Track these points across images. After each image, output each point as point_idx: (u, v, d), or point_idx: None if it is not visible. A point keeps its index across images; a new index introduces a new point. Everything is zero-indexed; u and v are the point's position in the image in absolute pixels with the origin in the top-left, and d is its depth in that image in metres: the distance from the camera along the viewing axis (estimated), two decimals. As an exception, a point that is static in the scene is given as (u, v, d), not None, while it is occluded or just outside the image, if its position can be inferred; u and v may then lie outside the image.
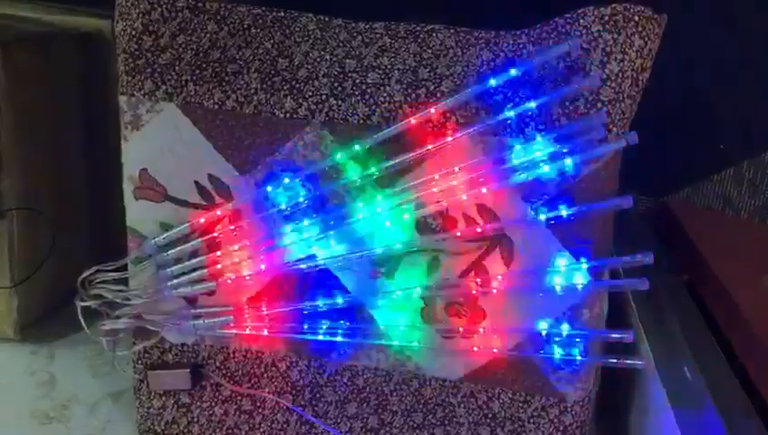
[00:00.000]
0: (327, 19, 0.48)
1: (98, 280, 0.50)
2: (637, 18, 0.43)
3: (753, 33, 0.68)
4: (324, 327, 0.49)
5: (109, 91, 0.49)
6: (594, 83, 0.42)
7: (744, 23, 0.68)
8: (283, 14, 0.48)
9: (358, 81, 0.46)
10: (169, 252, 0.49)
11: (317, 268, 0.48)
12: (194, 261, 0.49)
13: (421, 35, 0.47)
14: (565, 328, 0.46)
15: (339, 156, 0.46)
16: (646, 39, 0.43)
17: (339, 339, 0.49)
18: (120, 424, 0.56)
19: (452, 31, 0.47)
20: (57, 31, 0.68)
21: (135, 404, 0.54)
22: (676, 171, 0.76)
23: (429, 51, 0.46)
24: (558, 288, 0.46)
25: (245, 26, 0.48)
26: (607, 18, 0.43)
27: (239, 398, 0.52)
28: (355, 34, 0.47)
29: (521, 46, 0.45)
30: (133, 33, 0.47)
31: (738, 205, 0.76)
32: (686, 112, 0.72)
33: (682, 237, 0.68)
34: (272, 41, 0.47)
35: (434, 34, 0.47)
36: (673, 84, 0.64)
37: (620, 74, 0.43)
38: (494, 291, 0.46)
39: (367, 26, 0.47)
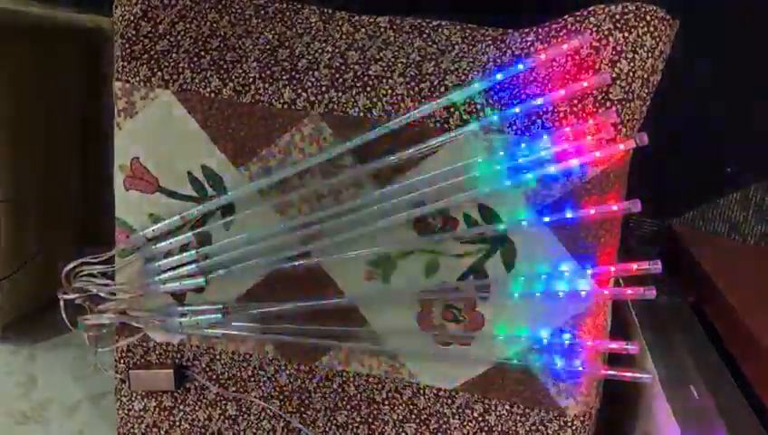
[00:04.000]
0: (330, 11, 0.47)
1: (83, 273, 0.48)
2: (648, 18, 0.42)
3: (763, 53, 0.67)
4: (315, 330, 0.47)
5: (106, 90, 0.48)
6: (604, 81, 0.41)
7: (754, 42, 0.67)
8: (285, 5, 0.47)
9: (359, 73, 0.44)
10: (158, 245, 0.47)
11: (310, 267, 0.46)
12: (184, 255, 0.47)
13: (426, 31, 0.45)
14: (567, 337, 0.44)
15: (337, 150, 0.44)
16: (657, 39, 0.42)
17: (330, 342, 0.47)
18: (99, 427, 0.54)
19: (458, 27, 0.45)
20: (56, 26, 0.67)
21: (115, 406, 0.51)
22: (682, 194, 0.74)
23: (434, 46, 0.45)
24: (561, 295, 0.44)
25: (247, 16, 0.46)
26: (618, 17, 0.42)
27: (224, 402, 0.50)
28: (359, 27, 0.46)
29: (529, 44, 0.44)
30: (131, 18, 0.46)
31: (744, 230, 0.74)
32: (692, 133, 0.71)
33: (687, 260, 0.66)
34: (273, 32, 0.46)
35: (439, 30, 0.45)
36: (679, 104, 0.63)
37: (631, 74, 0.41)
38: (494, 296, 0.45)
39: (371, 20, 0.46)
